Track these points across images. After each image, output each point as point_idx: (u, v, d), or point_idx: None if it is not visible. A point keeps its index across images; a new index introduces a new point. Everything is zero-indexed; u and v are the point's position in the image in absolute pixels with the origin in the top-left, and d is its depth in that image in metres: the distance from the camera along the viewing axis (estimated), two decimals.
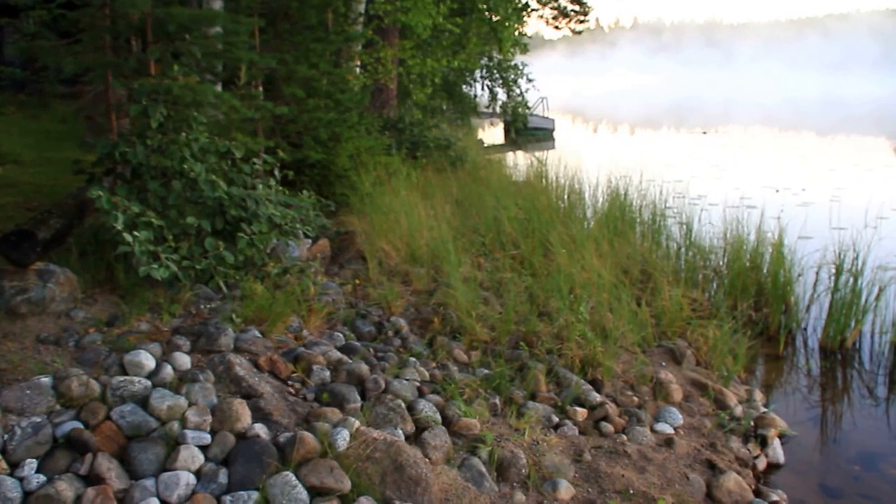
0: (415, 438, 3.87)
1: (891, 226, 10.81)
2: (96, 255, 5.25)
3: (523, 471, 3.82)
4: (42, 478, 3.15)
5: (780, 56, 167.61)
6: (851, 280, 6.76)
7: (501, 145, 25.97)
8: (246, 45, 6.90)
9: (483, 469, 3.74)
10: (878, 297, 6.90)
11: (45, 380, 3.62)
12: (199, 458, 3.35)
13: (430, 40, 15.10)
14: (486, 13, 16.72)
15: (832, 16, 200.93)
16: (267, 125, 8.30)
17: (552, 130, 29.25)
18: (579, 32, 23.99)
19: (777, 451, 4.83)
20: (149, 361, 3.89)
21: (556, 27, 23.58)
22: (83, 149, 5.53)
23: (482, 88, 28.66)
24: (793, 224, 9.12)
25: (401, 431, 3.82)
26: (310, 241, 7.12)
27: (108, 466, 3.22)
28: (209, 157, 5.83)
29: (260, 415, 3.74)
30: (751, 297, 7.28)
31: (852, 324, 6.74)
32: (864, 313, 6.82)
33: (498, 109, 27.98)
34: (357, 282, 6.53)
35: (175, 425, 3.46)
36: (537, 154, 18.32)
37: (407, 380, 4.45)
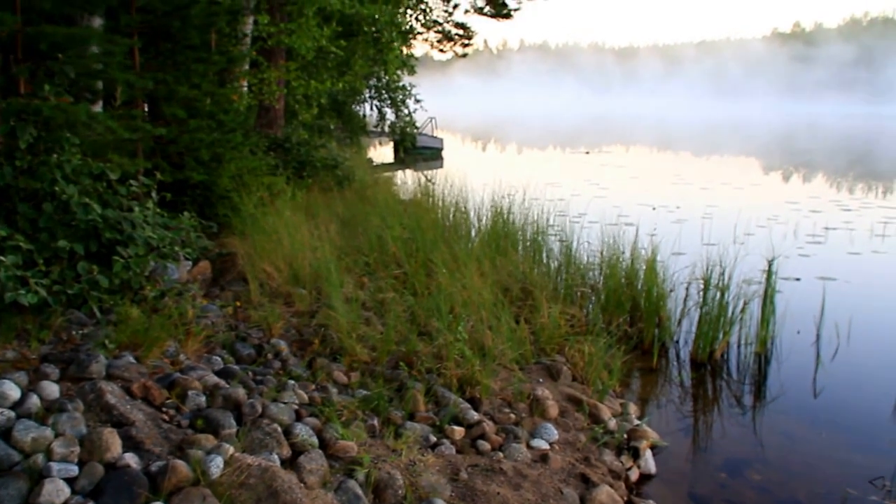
0: (291, 463, 3.87)
1: (756, 241, 11.42)
2: None
3: (400, 492, 3.86)
4: None
5: (667, 80, 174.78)
6: (718, 294, 7.10)
7: (390, 164, 26.14)
8: (122, 64, 6.77)
9: (359, 491, 3.77)
10: (743, 310, 7.27)
11: None
12: (65, 491, 3.25)
13: (315, 62, 15.10)
14: (374, 35, 16.84)
15: (705, 43, 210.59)
16: (147, 145, 8.15)
17: (441, 150, 29.68)
18: (464, 55, 24.53)
19: (649, 462, 5.02)
20: (13, 391, 3.76)
21: (441, 50, 24.06)
22: None
23: (371, 108, 28.80)
24: (667, 241, 9.53)
25: (276, 456, 3.81)
26: (190, 263, 7.01)
27: None
28: (83, 178, 5.70)
29: (131, 443, 3.67)
30: (626, 312, 7.54)
31: (720, 336, 7.08)
32: (731, 326, 7.17)
33: (387, 129, 28.15)
34: (238, 304, 6.46)
35: (40, 458, 3.36)
36: (425, 173, 18.54)
37: (285, 403, 4.44)
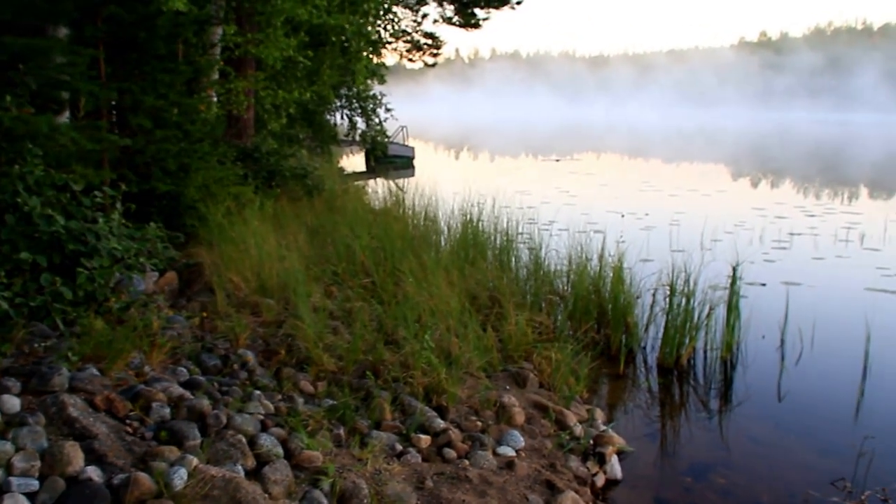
0: (255, 473, 3.85)
1: (723, 247, 11.57)
2: None
3: (365, 501, 3.86)
4: None
5: (639, 88, 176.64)
6: (685, 300, 7.17)
7: (362, 173, 26.17)
8: (86, 75, 6.72)
9: (324, 501, 3.76)
10: (708, 316, 7.35)
11: None
12: None
13: (283, 71, 15.09)
14: (343, 44, 16.86)
15: (675, 51, 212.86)
16: (113, 156, 8.09)
17: (412, 158, 29.74)
18: (433, 65, 24.69)
19: (615, 467, 5.05)
20: None
21: (411, 59, 24.25)
22: None
23: (342, 117, 28.80)
24: (635, 247, 9.63)
25: (241, 467, 3.80)
26: (157, 273, 6.96)
27: None
28: (46, 189, 5.64)
29: (94, 456, 3.63)
30: (593, 318, 7.59)
31: (686, 342, 7.15)
32: (697, 331, 7.25)
33: (358, 138, 28.16)
34: (205, 314, 6.42)
35: None
36: (396, 182, 18.57)
37: (250, 413, 4.42)
